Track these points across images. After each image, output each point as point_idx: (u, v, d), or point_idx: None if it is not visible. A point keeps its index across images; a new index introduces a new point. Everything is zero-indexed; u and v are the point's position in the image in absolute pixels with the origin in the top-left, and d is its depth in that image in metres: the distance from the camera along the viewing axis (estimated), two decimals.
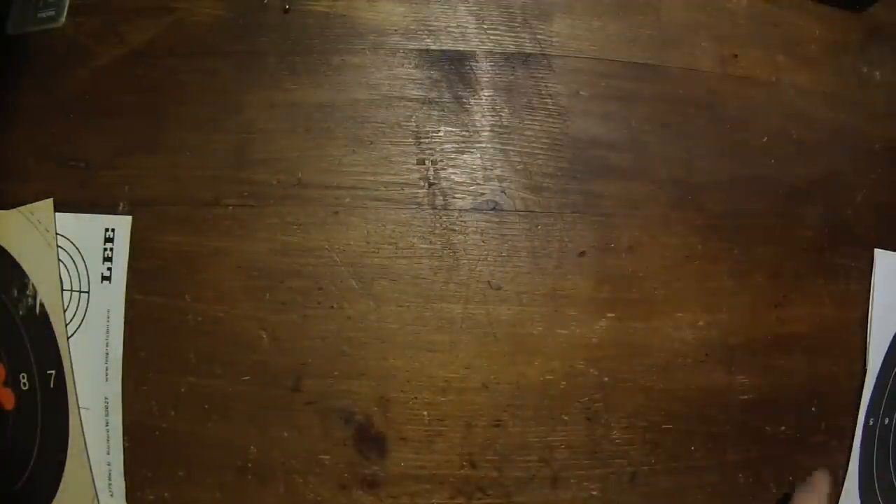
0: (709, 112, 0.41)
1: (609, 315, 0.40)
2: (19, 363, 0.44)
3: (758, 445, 0.43)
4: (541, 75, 0.41)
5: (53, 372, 0.42)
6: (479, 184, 0.40)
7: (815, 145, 0.44)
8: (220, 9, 0.40)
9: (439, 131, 0.40)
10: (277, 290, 0.39)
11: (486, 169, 0.40)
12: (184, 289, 0.40)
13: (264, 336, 0.39)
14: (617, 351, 0.40)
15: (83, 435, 0.42)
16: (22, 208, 0.42)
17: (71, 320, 0.42)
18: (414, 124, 0.40)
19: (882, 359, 0.45)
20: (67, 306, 0.42)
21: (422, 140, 0.40)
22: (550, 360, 0.40)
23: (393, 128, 0.40)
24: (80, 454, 0.42)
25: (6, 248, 0.44)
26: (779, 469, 0.44)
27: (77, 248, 0.42)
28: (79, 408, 0.42)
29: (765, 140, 0.42)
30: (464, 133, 0.40)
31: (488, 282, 0.39)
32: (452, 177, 0.40)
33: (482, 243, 0.39)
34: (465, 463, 0.39)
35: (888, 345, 0.46)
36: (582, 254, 0.40)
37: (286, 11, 0.40)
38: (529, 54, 0.41)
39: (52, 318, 0.42)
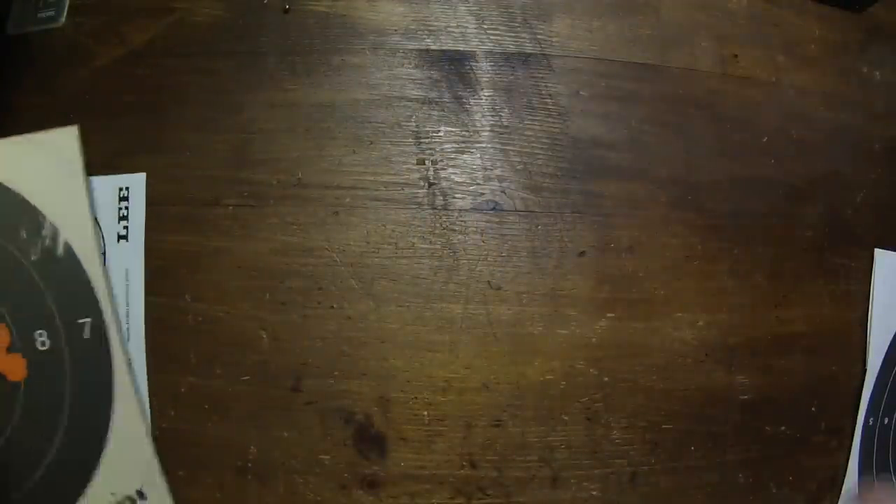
0: (709, 112, 0.41)
1: (609, 315, 0.40)
2: (33, 320, 0.38)
3: (758, 445, 0.43)
4: (541, 75, 0.41)
5: (88, 320, 0.38)
6: (479, 184, 0.40)
7: (815, 145, 0.44)
8: (220, 9, 0.40)
9: (439, 131, 0.40)
10: (277, 290, 0.39)
11: (486, 169, 0.40)
12: (184, 289, 0.40)
13: (264, 336, 0.39)
14: (617, 351, 0.40)
15: (133, 383, 0.37)
16: (31, 137, 0.38)
17: None
18: (414, 124, 0.40)
19: (882, 359, 0.45)
20: None
21: (422, 140, 0.40)
22: (550, 360, 0.40)
23: (393, 128, 0.40)
24: (129, 403, 0.37)
25: (5, 183, 0.38)
26: (779, 469, 0.44)
27: None
28: (125, 353, 0.37)
29: (765, 140, 0.42)
30: (464, 133, 0.40)
31: (488, 282, 0.39)
32: (452, 177, 0.40)
33: (482, 243, 0.39)
34: (465, 463, 0.39)
35: (888, 345, 0.46)
36: (582, 254, 0.40)
37: (286, 11, 0.40)
38: (529, 54, 0.41)
39: (84, 258, 0.37)
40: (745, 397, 0.42)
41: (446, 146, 0.40)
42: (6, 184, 0.38)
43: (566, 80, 0.41)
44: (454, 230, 0.39)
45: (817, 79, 0.44)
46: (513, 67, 0.41)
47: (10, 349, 0.38)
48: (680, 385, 0.41)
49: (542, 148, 0.40)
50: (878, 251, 0.45)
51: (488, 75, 0.41)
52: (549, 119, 0.41)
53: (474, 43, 0.41)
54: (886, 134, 0.46)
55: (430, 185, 0.40)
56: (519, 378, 0.39)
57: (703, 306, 0.41)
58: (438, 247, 0.39)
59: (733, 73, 0.42)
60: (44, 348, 0.38)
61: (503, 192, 0.40)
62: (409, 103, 0.40)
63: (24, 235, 0.38)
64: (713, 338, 0.42)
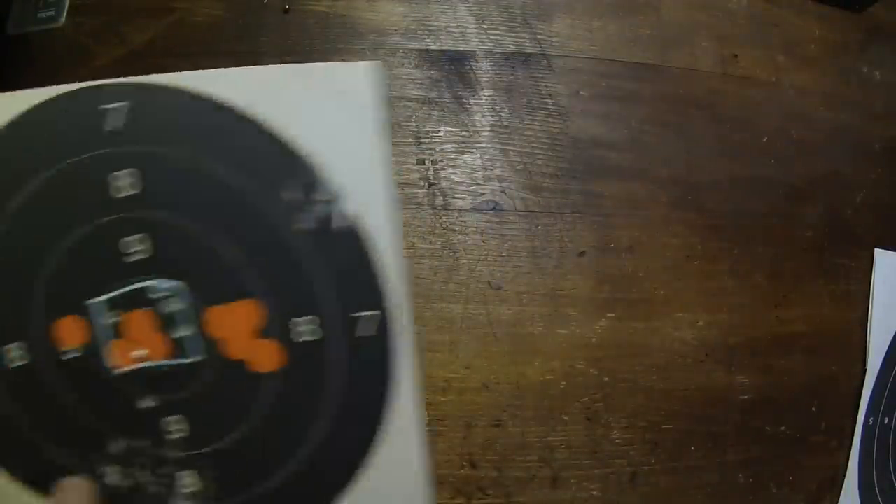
0: (709, 112, 0.41)
1: (609, 315, 0.40)
2: (296, 304, 0.31)
3: (758, 445, 0.43)
4: (541, 75, 0.41)
5: (369, 313, 0.31)
6: (479, 184, 0.40)
7: (815, 145, 0.44)
8: (220, 9, 0.40)
9: (439, 131, 0.40)
10: None
11: (486, 169, 0.40)
12: None
13: None
14: (617, 351, 0.40)
15: (417, 402, 0.32)
16: (312, 67, 0.30)
17: None
18: (414, 124, 0.40)
19: (882, 359, 0.45)
20: None
21: (422, 140, 0.40)
22: (550, 360, 0.40)
23: (393, 128, 0.40)
24: (406, 426, 0.32)
25: (266, 122, 0.31)
26: (779, 469, 0.44)
27: None
28: (413, 364, 0.32)
29: (765, 140, 0.42)
30: (464, 133, 0.40)
31: (488, 282, 0.39)
32: (452, 177, 0.40)
33: (482, 243, 0.39)
34: (465, 463, 0.39)
35: (888, 345, 0.46)
36: (582, 254, 0.40)
37: (286, 11, 0.40)
38: (529, 54, 0.41)
39: (374, 235, 0.31)
40: (745, 397, 0.42)
41: (446, 146, 0.40)
42: (268, 123, 0.30)
43: (566, 80, 0.41)
44: (454, 230, 0.39)
45: (817, 79, 0.44)
46: (513, 67, 0.41)
47: (262, 334, 0.32)
48: (680, 385, 0.41)
49: (542, 148, 0.40)
50: (878, 251, 0.45)
51: (488, 75, 0.41)
52: (549, 119, 0.41)
53: (474, 43, 0.41)
54: (886, 134, 0.46)
55: (430, 185, 0.40)
56: (519, 378, 0.39)
57: (703, 306, 0.41)
58: (438, 247, 0.39)
59: (733, 73, 0.42)
60: (305, 339, 0.31)
61: (503, 192, 0.40)
62: (409, 103, 0.40)
63: (292, 196, 0.30)
64: (713, 338, 0.42)
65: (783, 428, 0.43)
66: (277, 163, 0.31)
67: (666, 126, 0.41)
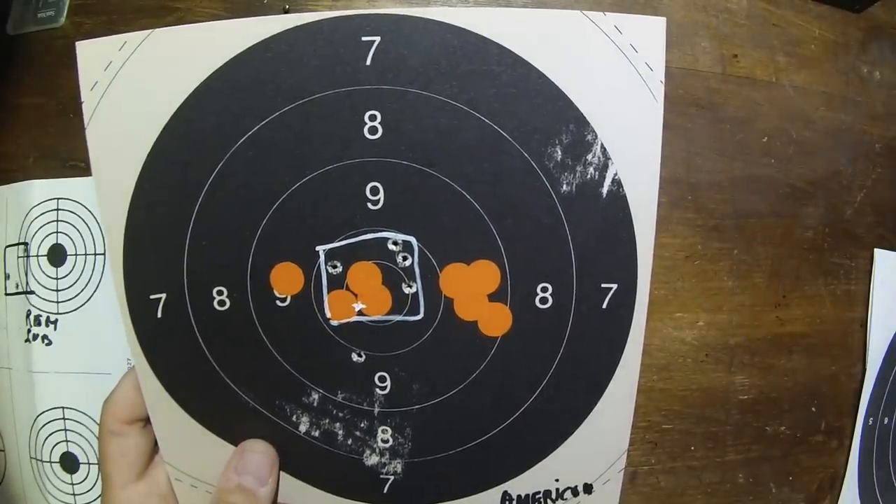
0: (709, 112, 0.41)
1: None
2: (539, 269, 0.30)
3: (758, 445, 0.43)
4: None
5: (614, 286, 0.30)
6: None
7: (815, 145, 0.43)
8: (220, 9, 0.40)
9: None
10: None
11: None
12: None
13: None
14: None
15: (635, 371, 0.32)
16: (599, 17, 0.27)
17: (87, 284, 0.40)
18: None
19: (882, 359, 0.45)
20: (82, 271, 0.38)
21: None
22: None
23: None
24: (624, 394, 0.33)
25: (548, 74, 0.28)
26: (779, 469, 0.44)
27: (89, 210, 0.40)
28: (640, 343, 0.31)
29: (765, 140, 0.42)
30: None
31: None
32: None
33: None
34: None
35: (888, 345, 0.46)
36: None
37: (286, 11, 0.40)
38: None
39: (635, 208, 0.29)
40: (745, 397, 0.42)
41: None
42: (545, 72, 0.28)
43: None
44: None
45: (817, 79, 0.44)
46: None
47: (495, 297, 0.30)
48: (680, 385, 0.41)
49: None
50: (878, 251, 0.45)
51: None
52: None
53: None
54: (886, 134, 0.46)
55: None
56: None
57: (703, 306, 0.41)
58: None
59: (733, 73, 0.42)
60: (542, 306, 0.30)
61: None
62: None
63: (559, 155, 0.28)
64: (713, 338, 0.42)
65: (783, 428, 0.43)
66: (551, 116, 0.28)
67: (666, 126, 0.41)
